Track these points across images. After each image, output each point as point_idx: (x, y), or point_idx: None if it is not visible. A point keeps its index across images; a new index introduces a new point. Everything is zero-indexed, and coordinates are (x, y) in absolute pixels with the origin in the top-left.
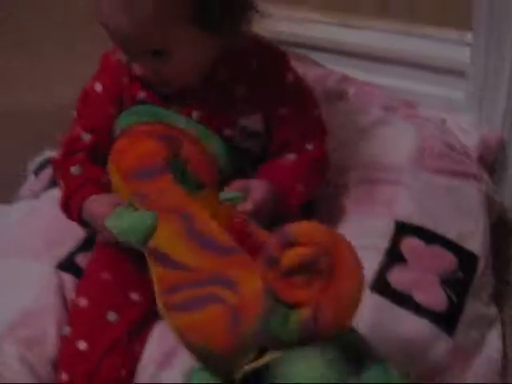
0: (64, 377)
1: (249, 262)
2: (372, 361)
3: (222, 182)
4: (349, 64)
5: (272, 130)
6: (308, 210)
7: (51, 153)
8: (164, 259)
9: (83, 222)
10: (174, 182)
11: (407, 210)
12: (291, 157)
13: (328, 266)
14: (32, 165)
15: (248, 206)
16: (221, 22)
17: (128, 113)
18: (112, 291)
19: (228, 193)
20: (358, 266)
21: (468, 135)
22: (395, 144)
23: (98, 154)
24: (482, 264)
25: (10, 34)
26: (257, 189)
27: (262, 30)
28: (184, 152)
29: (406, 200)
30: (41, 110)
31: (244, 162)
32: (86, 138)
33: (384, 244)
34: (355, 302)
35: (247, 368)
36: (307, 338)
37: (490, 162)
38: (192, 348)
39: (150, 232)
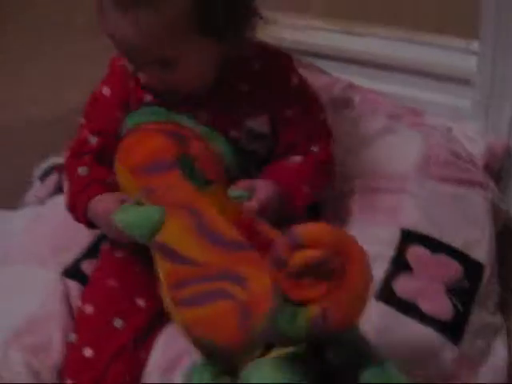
0: None
1: (258, 259)
2: (372, 359)
3: (228, 183)
4: (354, 72)
5: (278, 132)
6: (313, 216)
7: (57, 159)
8: (172, 254)
9: (89, 223)
10: (183, 178)
11: (413, 218)
12: (297, 159)
13: (337, 266)
14: (38, 171)
15: (253, 204)
16: (225, 30)
17: (135, 114)
18: (118, 298)
19: (234, 191)
20: (367, 264)
21: (474, 143)
22: (401, 152)
23: (105, 157)
24: (487, 272)
25: (17, 38)
26: (262, 188)
27: (266, 37)
28: (192, 149)
29: (412, 208)
30: (48, 114)
31: (249, 163)
32: (93, 140)
33: (389, 252)
34: (363, 300)
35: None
36: (315, 336)
37: (495, 170)
38: (199, 343)
39: (157, 226)
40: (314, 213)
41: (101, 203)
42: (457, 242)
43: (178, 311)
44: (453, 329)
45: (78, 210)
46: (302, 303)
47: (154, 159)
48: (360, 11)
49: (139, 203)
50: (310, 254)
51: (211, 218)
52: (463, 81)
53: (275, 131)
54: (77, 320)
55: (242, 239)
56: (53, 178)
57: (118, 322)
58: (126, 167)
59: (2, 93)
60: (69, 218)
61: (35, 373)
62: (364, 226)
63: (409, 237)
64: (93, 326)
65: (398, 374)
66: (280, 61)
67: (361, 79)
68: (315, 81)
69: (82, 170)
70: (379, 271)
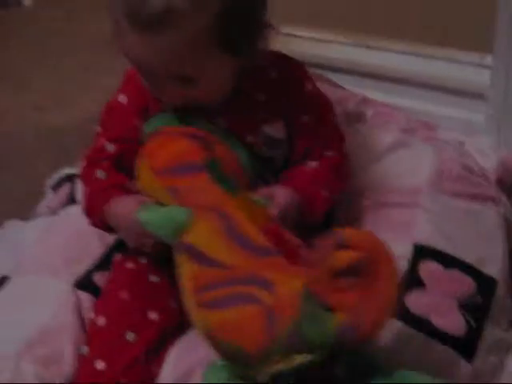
0: None
1: (285, 265)
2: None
3: (248, 188)
4: (368, 85)
5: (293, 138)
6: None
7: (70, 170)
8: (200, 256)
9: (106, 227)
10: (212, 181)
11: (425, 233)
12: (313, 164)
13: (370, 273)
14: (50, 181)
15: (273, 211)
16: (242, 44)
17: (156, 119)
18: (130, 311)
19: (254, 198)
20: (396, 276)
21: (486, 157)
22: (413, 166)
23: (123, 164)
24: (500, 288)
25: (21, 52)
26: (281, 196)
27: (280, 49)
28: (218, 153)
29: (425, 223)
30: (63, 124)
31: (266, 170)
32: (111, 148)
33: (402, 267)
34: (390, 311)
35: (275, 369)
36: (340, 344)
37: (508, 184)
38: (221, 347)
39: (183, 227)
40: (326, 227)
41: (121, 204)
42: (470, 258)
43: (201, 314)
44: (466, 345)
45: (96, 214)
46: (331, 309)
47: (181, 161)
48: (374, 25)
49: (161, 203)
50: (350, 255)
51: (240, 222)
52: (476, 95)
53: (291, 137)
54: (89, 332)
55: (270, 245)
56: (65, 189)
57: (130, 335)
58: (151, 169)
59: (11, 103)
60: (81, 228)
61: None
62: None
63: (421, 252)
64: (105, 338)
65: (411, 375)
66: (294, 69)
67: (374, 93)
68: (329, 94)
69: (100, 174)
70: None
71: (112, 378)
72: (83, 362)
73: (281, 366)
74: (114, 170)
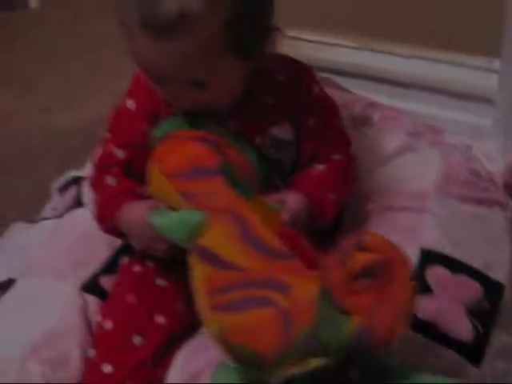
0: None
1: (301, 269)
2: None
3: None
4: (374, 89)
5: (301, 141)
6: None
7: (77, 172)
8: (214, 259)
9: (118, 233)
10: (226, 185)
11: (433, 237)
12: (320, 167)
13: (385, 276)
14: (57, 184)
15: (285, 216)
16: (252, 47)
17: (165, 123)
18: (137, 314)
19: (267, 202)
20: (413, 282)
21: (493, 162)
22: (420, 170)
23: (133, 170)
24: (508, 293)
25: (27, 54)
26: (292, 201)
27: (287, 53)
28: (231, 157)
29: (432, 228)
30: (70, 126)
31: (274, 172)
32: (120, 154)
33: None
34: (407, 316)
35: (289, 373)
36: (357, 347)
37: None
38: (235, 350)
39: (197, 230)
40: (334, 231)
41: (132, 209)
42: (477, 263)
43: (215, 317)
44: (473, 350)
45: (107, 221)
46: (348, 312)
47: (195, 165)
48: (381, 28)
49: (173, 208)
50: (370, 257)
51: (255, 226)
52: (484, 99)
53: (298, 140)
54: (96, 336)
55: (285, 248)
56: (72, 191)
57: (136, 339)
58: (163, 173)
59: (17, 105)
60: (88, 232)
61: None
62: None
63: (429, 257)
64: (112, 342)
65: (426, 378)
66: (302, 72)
67: (381, 97)
68: (335, 98)
69: (110, 181)
70: None
71: (119, 381)
72: (90, 365)
73: (295, 370)
74: (123, 176)
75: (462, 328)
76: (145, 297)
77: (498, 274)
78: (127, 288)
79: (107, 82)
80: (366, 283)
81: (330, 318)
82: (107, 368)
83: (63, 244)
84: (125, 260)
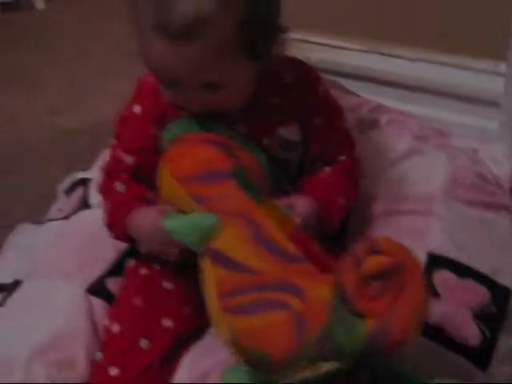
0: None
1: (314, 272)
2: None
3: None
4: (382, 92)
5: (307, 141)
6: (339, 240)
7: (83, 173)
8: (227, 262)
9: (129, 239)
10: (239, 188)
11: (439, 241)
12: (327, 170)
13: (399, 279)
14: (63, 185)
15: (296, 220)
16: (263, 48)
17: (174, 126)
18: (144, 318)
19: (279, 206)
20: (426, 285)
21: (500, 165)
22: (427, 174)
23: (142, 174)
24: None
25: (32, 55)
26: (301, 205)
27: (296, 56)
28: (243, 160)
29: (439, 232)
30: (76, 127)
31: (282, 173)
32: (128, 159)
33: None
34: (421, 318)
35: (301, 376)
36: (370, 351)
37: None
38: (246, 353)
39: (210, 233)
40: (340, 235)
41: (142, 215)
42: (484, 267)
43: (226, 320)
44: (480, 355)
45: (118, 227)
46: (361, 315)
47: (207, 168)
48: (388, 31)
49: (183, 213)
50: (384, 260)
51: (268, 229)
52: (490, 102)
53: (305, 140)
54: (103, 339)
55: (298, 252)
56: (78, 192)
57: (143, 343)
58: (174, 177)
59: (23, 106)
60: (94, 233)
61: None
62: None
63: (435, 261)
64: (119, 345)
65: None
66: (308, 72)
67: (389, 100)
68: (342, 101)
69: (119, 187)
70: None
71: (125, 383)
72: (96, 368)
73: (307, 373)
74: (133, 181)
75: (469, 332)
76: (152, 300)
77: (505, 279)
78: (134, 291)
79: (113, 83)
80: (379, 286)
81: (343, 321)
82: (114, 371)
83: (70, 245)
84: (131, 263)
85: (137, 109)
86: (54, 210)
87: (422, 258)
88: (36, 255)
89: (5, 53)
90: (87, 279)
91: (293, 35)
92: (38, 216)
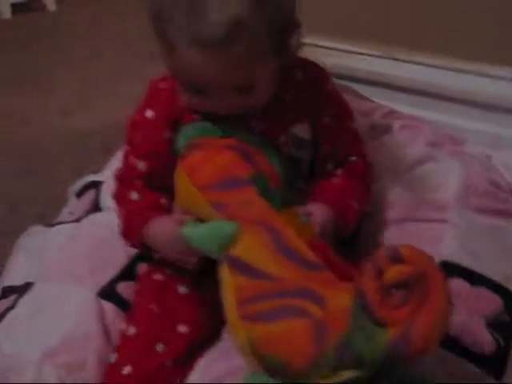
0: None
1: (334, 280)
2: None
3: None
4: (395, 98)
5: (318, 139)
6: (352, 246)
7: (94, 176)
8: (247, 268)
9: (145, 247)
10: (258, 195)
11: (452, 249)
12: (339, 172)
13: (420, 288)
14: (74, 188)
15: (314, 228)
16: (285, 46)
17: (188, 129)
18: (160, 324)
19: (297, 214)
20: (448, 291)
21: None
22: (441, 181)
23: (156, 180)
24: None
25: (43, 57)
26: (318, 213)
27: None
28: (262, 167)
29: (452, 239)
30: (87, 129)
31: (295, 174)
32: (141, 165)
33: None
34: (444, 326)
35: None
36: (392, 359)
37: None
38: (265, 360)
39: (229, 240)
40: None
41: (158, 225)
42: (497, 275)
43: (244, 327)
44: (495, 364)
45: (134, 236)
46: (382, 323)
47: (227, 175)
48: (402, 37)
49: (202, 219)
50: (405, 269)
51: (288, 236)
52: (506, 109)
53: (316, 138)
54: (118, 341)
55: (318, 259)
56: (90, 195)
57: (159, 347)
58: (194, 184)
59: (35, 107)
60: (106, 237)
61: None
62: None
63: (448, 269)
64: (134, 347)
65: None
66: (318, 71)
67: (404, 106)
68: (355, 106)
69: (134, 196)
70: None
71: (137, 382)
72: (110, 368)
73: (327, 382)
74: (147, 189)
75: (483, 341)
76: (167, 306)
77: None
78: (149, 297)
79: (125, 85)
80: (401, 295)
81: (363, 330)
82: (127, 369)
83: (81, 249)
84: (143, 268)
85: (149, 113)
86: (65, 213)
87: None
88: (47, 258)
89: (16, 54)
90: (98, 283)
91: (306, 40)
92: (48, 218)
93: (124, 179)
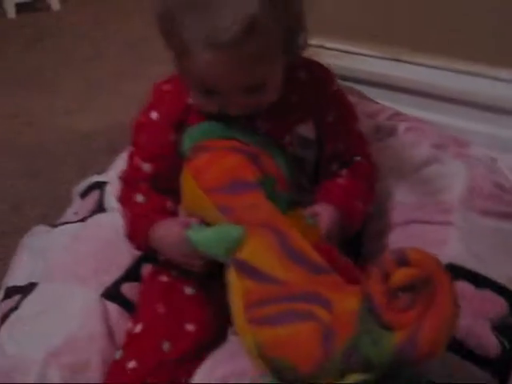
0: None
1: (341, 283)
2: None
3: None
4: (398, 99)
5: (322, 139)
6: (357, 248)
7: (98, 177)
8: (254, 272)
9: (150, 250)
10: (265, 198)
11: (457, 252)
12: (343, 172)
13: (428, 292)
14: (78, 188)
15: (320, 230)
16: (294, 44)
17: (195, 130)
18: (167, 323)
19: (303, 216)
20: (455, 294)
21: None
22: (446, 183)
23: (161, 181)
24: None
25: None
26: (324, 214)
27: None
28: (269, 169)
29: (456, 242)
30: (91, 129)
31: (300, 172)
32: (147, 167)
33: None
34: (451, 329)
35: None
36: (399, 363)
37: None
38: (273, 363)
39: (236, 244)
40: (357, 244)
41: (163, 228)
42: (501, 278)
43: (253, 330)
44: (500, 367)
45: (139, 239)
46: (389, 327)
47: (233, 178)
48: (405, 38)
49: (207, 224)
50: (412, 272)
51: (295, 240)
52: (511, 112)
53: (319, 138)
54: (125, 339)
55: (325, 263)
56: (94, 195)
57: (165, 345)
58: (202, 187)
59: (39, 107)
60: (110, 238)
61: None
62: None
63: (453, 271)
64: (140, 343)
65: None
66: (321, 70)
67: (405, 107)
68: (360, 107)
69: (139, 198)
70: None
71: (142, 375)
72: (114, 363)
73: None
74: (152, 191)
75: (488, 344)
76: (174, 306)
77: None
78: (155, 298)
79: (128, 85)
80: (408, 299)
81: (370, 333)
82: (132, 364)
83: (86, 250)
84: (148, 269)
85: (154, 115)
86: (69, 213)
87: None
88: (51, 258)
89: (21, 54)
90: (102, 284)
91: (309, 41)
92: (52, 218)
93: (129, 181)
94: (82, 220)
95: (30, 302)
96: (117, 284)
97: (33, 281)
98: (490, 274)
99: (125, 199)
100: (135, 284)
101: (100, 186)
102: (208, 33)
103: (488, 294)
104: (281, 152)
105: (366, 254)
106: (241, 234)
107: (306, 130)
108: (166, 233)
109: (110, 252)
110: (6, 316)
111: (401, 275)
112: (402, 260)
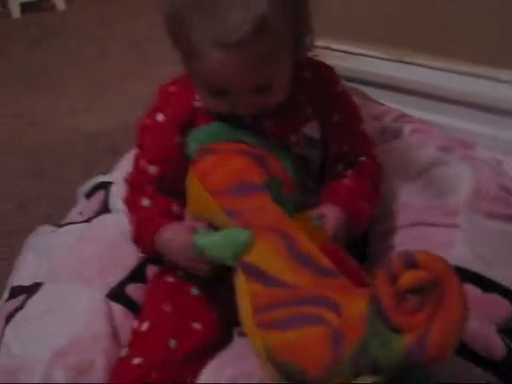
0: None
1: (349, 286)
2: None
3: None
4: (403, 100)
5: (327, 139)
6: (362, 249)
7: (104, 177)
8: (262, 276)
9: (156, 254)
10: (272, 201)
11: (463, 254)
12: (349, 173)
13: (437, 294)
14: (83, 188)
15: (327, 231)
16: (301, 43)
17: (201, 133)
18: (173, 320)
19: (310, 218)
20: (465, 296)
21: None
22: (452, 185)
23: (167, 184)
24: None
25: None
26: (331, 216)
27: None
28: (275, 172)
29: (462, 245)
30: (96, 129)
31: (305, 172)
32: (153, 170)
33: None
34: (459, 334)
35: None
36: (409, 366)
37: None
38: (283, 367)
39: (243, 248)
40: (363, 246)
41: (170, 231)
42: (506, 281)
43: (262, 334)
44: (506, 370)
45: (145, 243)
46: (398, 330)
47: (240, 181)
48: (415, 42)
49: (213, 227)
50: (421, 275)
51: (302, 243)
52: None
53: (325, 138)
54: (130, 337)
55: (332, 265)
56: (99, 196)
57: (172, 343)
58: (208, 190)
59: (44, 107)
60: (115, 239)
61: None
62: None
63: (460, 274)
64: (147, 342)
65: None
66: (326, 70)
67: (411, 109)
68: (365, 109)
69: (145, 202)
70: None
71: (147, 371)
72: (120, 360)
73: None
74: (158, 195)
75: (494, 347)
76: (181, 306)
77: None
78: (161, 297)
79: (133, 85)
80: (417, 301)
81: (379, 336)
82: (137, 360)
83: (91, 250)
84: (154, 270)
85: (159, 117)
86: (74, 213)
87: None
88: (56, 258)
89: (26, 53)
90: (107, 284)
91: (316, 42)
92: (57, 218)
93: (135, 184)
94: (87, 220)
95: (35, 302)
96: (122, 285)
97: (38, 281)
98: (495, 277)
99: (131, 203)
100: (140, 285)
101: (105, 186)
102: (217, 33)
103: (493, 297)
104: (287, 154)
105: (371, 255)
106: (249, 238)
107: (312, 130)
108: (173, 237)
109: (115, 253)
110: (11, 316)
111: (409, 277)
112: (411, 262)
